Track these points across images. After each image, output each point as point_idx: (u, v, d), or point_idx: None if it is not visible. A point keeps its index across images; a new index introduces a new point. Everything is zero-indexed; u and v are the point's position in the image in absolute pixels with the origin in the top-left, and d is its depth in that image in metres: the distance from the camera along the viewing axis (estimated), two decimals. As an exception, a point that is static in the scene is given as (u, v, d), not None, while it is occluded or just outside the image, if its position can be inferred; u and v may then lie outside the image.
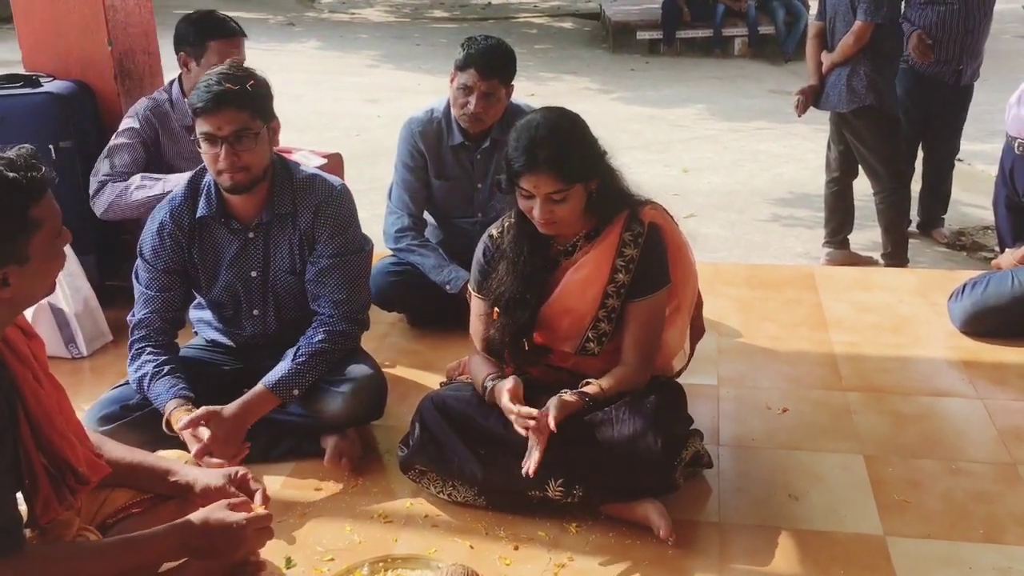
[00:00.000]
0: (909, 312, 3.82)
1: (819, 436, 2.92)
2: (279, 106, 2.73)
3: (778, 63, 11.03)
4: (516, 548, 2.43)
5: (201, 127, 2.58)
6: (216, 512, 1.99)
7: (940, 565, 2.35)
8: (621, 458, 2.39)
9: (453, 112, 3.45)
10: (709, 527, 2.50)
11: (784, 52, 11.10)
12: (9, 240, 1.73)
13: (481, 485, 2.54)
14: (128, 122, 3.53)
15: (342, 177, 3.78)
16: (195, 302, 2.96)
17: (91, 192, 3.47)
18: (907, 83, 5.13)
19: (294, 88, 9.17)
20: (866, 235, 5.44)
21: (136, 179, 3.41)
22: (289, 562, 2.37)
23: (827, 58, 4.89)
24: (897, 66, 4.97)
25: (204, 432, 2.50)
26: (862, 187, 5.21)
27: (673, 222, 2.65)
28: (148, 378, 2.66)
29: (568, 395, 2.46)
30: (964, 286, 3.64)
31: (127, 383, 2.76)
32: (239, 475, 2.16)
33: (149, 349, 2.72)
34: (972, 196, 6.08)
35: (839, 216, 5.26)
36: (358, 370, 2.78)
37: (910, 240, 5.27)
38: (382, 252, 3.49)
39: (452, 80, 3.39)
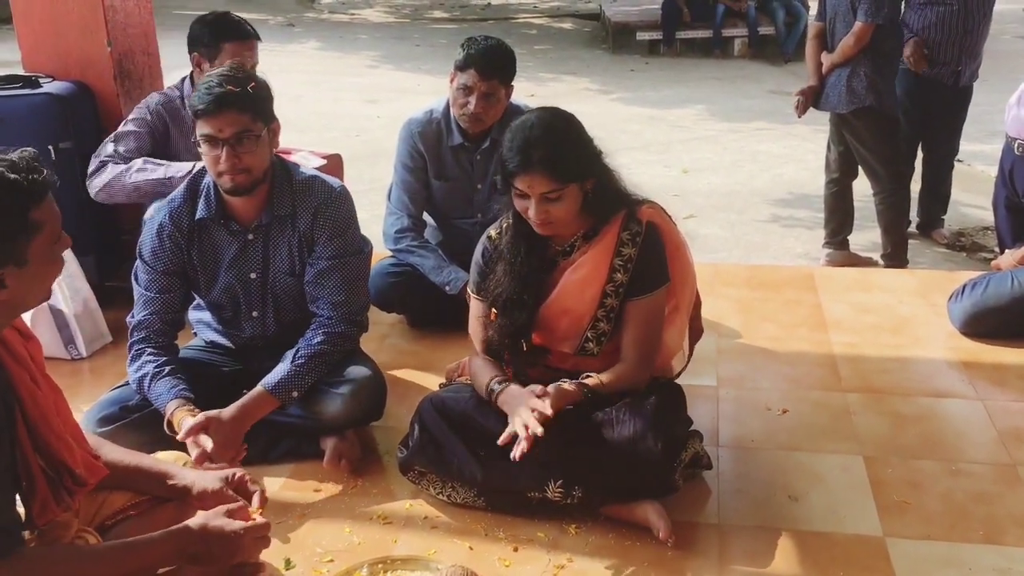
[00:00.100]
0: (909, 313, 3.82)
1: (819, 437, 2.92)
2: (279, 107, 2.73)
3: (778, 64, 11.03)
4: (515, 549, 2.43)
5: (202, 129, 2.58)
6: (214, 519, 1.99)
7: (940, 566, 2.35)
8: (621, 459, 2.39)
9: (453, 112, 3.45)
10: (708, 528, 2.50)
11: (784, 53, 11.11)
12: (9, 241, 1.73)
13: (480, 486, 2.53)
14: (138, 112, 3.53)
15: (342, 178, 3.78)
16: (194, 303, 2.96)
17: (89, 171, 3.44)
18: (907, 84, 5.13)
19: (294, 89, 9.17)
20: (866, 236, 5.44)
21: (138, 162, 3.39)
22: (288, 563, 2.37)
23: (827, 59, 4.88)
24: (897, 67, 4.97)
25: (206, 440, 2.48)
26: (862, 188, 5.20)
27: (671, 222, 2.65)
28: (148, 378, 2.66)
29: (567, 384, 2.46)
30: (964, 287, 3.64)
31: (126, 384, 2.75)
32: (236, 477, 2.16)
33: (149, 350, 2.72)
34: (972, 197, 6.08)
35: (839, 217, 5.26)
36: (357, 371, 2.78)
37: (910, 241, 5.27)
38: (381, 253, 3.49)
39: (452, 80, 3.39)
